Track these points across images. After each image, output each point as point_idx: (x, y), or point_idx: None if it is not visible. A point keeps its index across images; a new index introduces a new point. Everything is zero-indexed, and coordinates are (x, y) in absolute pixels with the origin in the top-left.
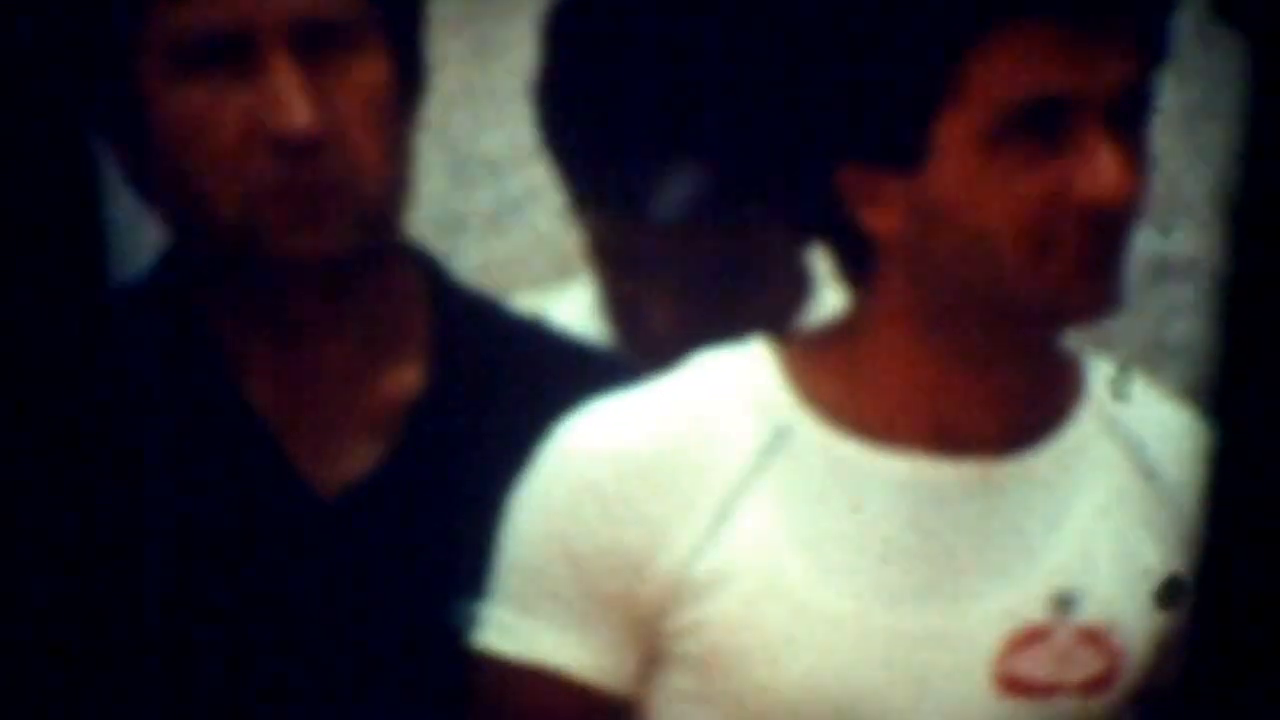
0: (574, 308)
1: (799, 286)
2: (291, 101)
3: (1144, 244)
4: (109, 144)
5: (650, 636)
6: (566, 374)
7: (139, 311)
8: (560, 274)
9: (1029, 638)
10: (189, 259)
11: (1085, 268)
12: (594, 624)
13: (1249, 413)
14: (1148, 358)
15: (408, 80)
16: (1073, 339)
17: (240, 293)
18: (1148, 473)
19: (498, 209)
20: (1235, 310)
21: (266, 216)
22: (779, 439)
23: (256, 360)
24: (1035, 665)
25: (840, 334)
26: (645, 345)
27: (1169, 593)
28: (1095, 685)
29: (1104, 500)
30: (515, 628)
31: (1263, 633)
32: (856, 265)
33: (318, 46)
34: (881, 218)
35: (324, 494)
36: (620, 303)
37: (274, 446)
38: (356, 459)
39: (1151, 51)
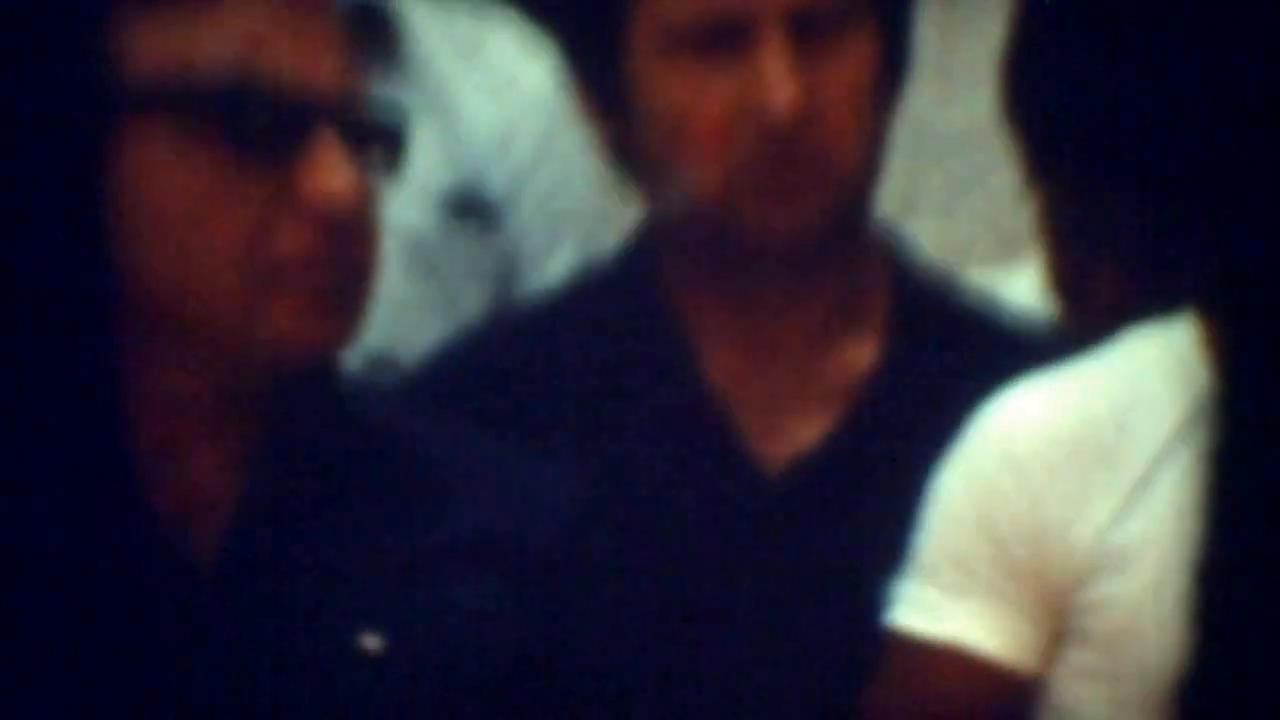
0: (1023, 286)
1: None
2: (779, 84)
3: None
4: (596, 121)
5: (1061, 612)
6: (1014, 354)
7: (606, 286)
8: (1007, 253)
9: None
10: (660, 235)
11: None
12: (1008, 600)
13: (1250, 415)
14: None
15: (892, 65)
16: None
17: (706, 268)
18: None
19: (950, 188)
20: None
21: (746, 195)
22: (1202, 412)
23: (715, 335)
24: None
25: None
26: (1092, 320)
27: None
28: None
29: None
30: (928, 603)
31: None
32: None
33: (811, 30)
34: None
35: (770, 467)
36: (1069, 277)
37: (722, 421)
38: (805, 434)
39: None
